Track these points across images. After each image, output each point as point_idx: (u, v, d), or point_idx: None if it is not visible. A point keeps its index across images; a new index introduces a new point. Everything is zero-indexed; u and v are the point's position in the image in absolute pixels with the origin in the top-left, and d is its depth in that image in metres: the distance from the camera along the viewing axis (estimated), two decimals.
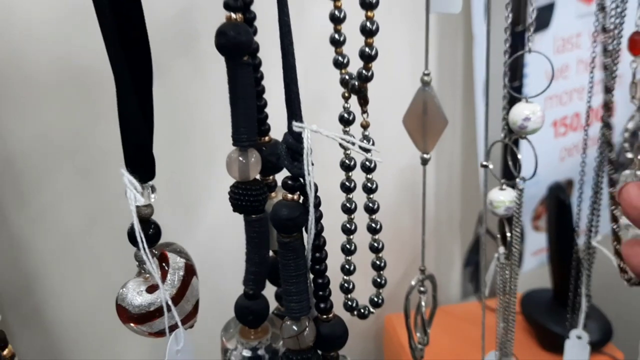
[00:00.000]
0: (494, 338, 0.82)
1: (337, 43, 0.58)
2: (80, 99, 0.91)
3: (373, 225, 0.63)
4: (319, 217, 0.57)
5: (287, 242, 0.56)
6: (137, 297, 0.59)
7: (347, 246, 0.63)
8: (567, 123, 1.26)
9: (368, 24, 0.53)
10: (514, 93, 0.68)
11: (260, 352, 0.65)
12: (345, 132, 0.59)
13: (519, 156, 0.68)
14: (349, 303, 0.65)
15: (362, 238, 0.63)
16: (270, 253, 0.66)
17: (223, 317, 0.71)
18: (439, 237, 1.33)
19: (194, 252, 0.66)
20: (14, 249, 0.94)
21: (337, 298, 0.63)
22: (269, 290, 0.67)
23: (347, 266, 0.64)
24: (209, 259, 1.02)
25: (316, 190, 0.55)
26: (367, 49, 0.55)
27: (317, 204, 0.56)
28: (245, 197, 0.59)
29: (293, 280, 0.57)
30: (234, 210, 0.61)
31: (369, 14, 0.53)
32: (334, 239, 0.61)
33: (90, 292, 1.01)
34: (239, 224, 0.68)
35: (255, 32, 0.59)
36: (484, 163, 0.69)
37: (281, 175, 0.63)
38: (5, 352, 0.65)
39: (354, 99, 0.59)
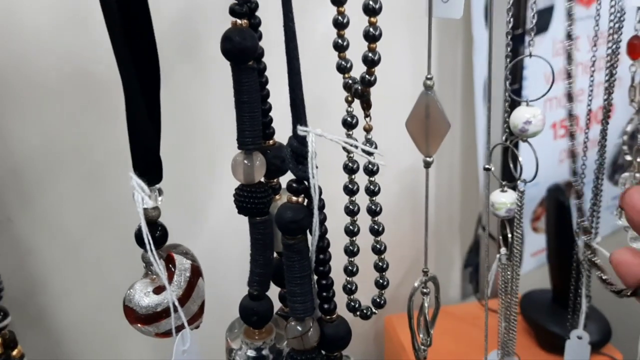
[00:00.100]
0: (495, 338, 0.83)
1: (340, 48, 0.58)
2: (84, 103, 0.91)
3: (376, 227, 0.63)
4: (323, 219, 0.58)
5: (292, 244, 0.57)
6: (145, 298, 0.60)
7: (350, 248, 0.64)
8: (567, 125, 1.26)
9: (371, 29, 0.54)
10: (515, 97, 0.69)
11: (265, 352, 0.66)
12: (349, 136, 0.60)
13: (520, 159, 0.69)
14: (352, 304, 0.66)
15: (363, 240, 0.64)
16: (275, 255, 0.67)
17: (226, 318, 0.72)
18: (439, 238, 1.34)
19: (196, 254, 0.66)
20: (18, 251, 0.94)
21: (339, 299, 0.64)
22: (273, 292, 0.68)
23: (350, 267, 0.65)
24: (212, 260, 1.03)
25: (320, 193, 0.56)
26: (370, 54, 0.56)
27: (321, 206, 0.57)
28: (250, 200, 0.60)
29: (297, 281, 0.58)
30: (239, 213, 0.61)
31: (372, 19, 0.54)
32: (336, 241, 0.61)
33: (93, 294, 1.01)
34: (242, 225, 0.69)
35: (260, 37, 0.60)
36: (487, 166, 0.69)
37: (285, 178, 0.64)
38: (14, 353, 0.66)
39: (356, 103, 0.60)
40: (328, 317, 0.62)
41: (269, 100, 0.65)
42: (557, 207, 1.10)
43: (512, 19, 0.66)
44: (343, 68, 0.59)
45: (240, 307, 0.65)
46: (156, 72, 0.57)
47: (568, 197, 1.13)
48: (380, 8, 0.54)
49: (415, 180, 1.22)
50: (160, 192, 0.58)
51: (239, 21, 0.55)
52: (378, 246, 0.64)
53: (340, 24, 0.56)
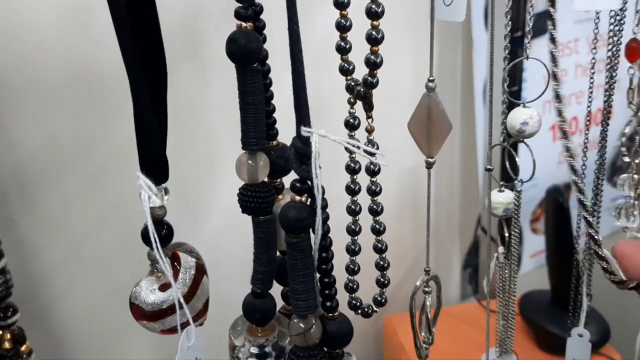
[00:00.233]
0: (495, 337, 0.83)
1: (343, 50, 0.59)
2: (88, 104, 0.92)
3: (377, 226, 0.64)
4: (325, 218, 0.59)
5: (295, 242, 0.58)
6: (150, 295, 0.61)
7: (352, 247, 0.65)
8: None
9: (374, 32, 0.55)
10: (512, 99, 0.70)
11: (267, 349, 0.67)
12: (351, 137, 0.61)
13: (517, 159, 0.70)
14: (354, 302, 0.67)
15: (363, 239, 0.65)
16: (277, 253, 0.67)
17: (227, 315, 0.72)
18: (439, 239, 1.35)
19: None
20: (22, 251, 0.95)
21: (340, 298, 0.64)
22: (276, 290, 0.69)
23: (351, 266, 0.66)
24: (213, 258, 1.03)
25: (323, 193, 0.57)
26: (372, 57, 0.57)
27: (324, 205, 0.58)
28: (254, 199, 0.61)
29: (300, 279, 0.59)
30: (243, 212, 0.62)
31: (375, 23, 0.55)
32: (337, 240, 0.62)
33: (96, 294, 1.02)
34: (243, 224, 0.69)
35: (264, 40, 0.61)
36: (488, 167, 0.70)
37: (288, 178, 0.64)
38: (23, 348, 0.67)
39: (357, 104, 0.61)
40: (330, 314, 0.63)
41: (273, 101, 0.66)
42: (556, 209, 1.11)
43: (510, 22, 0.67)
44: (346, 70, 0.60)
45: (244, 305, 0.66)
46: (163, 72, 0.58)
47: (567, 198, 1.14)
48: (383, 12, 0.55)
49: (415, 181, 1.23)
50: (166, 191, 0.59)
51: (244, 24, 0.56)
52: (379, 245, 0.65)
53: (343, 27, 0.57)
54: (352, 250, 0.65)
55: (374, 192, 0.63)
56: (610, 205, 1.29)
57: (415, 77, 1.14)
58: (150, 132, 0.57)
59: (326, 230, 0.59)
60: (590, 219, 0.73)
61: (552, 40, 0.69)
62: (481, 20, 1.15)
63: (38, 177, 0.92)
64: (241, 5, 0.57)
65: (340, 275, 0.64)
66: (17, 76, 0.87)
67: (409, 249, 1.24)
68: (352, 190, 0.63)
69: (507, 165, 0.72)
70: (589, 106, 0.81)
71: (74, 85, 0.90)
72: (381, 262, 0.66)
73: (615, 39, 0.75)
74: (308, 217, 0.57)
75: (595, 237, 0.69)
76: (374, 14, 0.55)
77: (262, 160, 0.60)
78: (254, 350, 0.67)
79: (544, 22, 1.18)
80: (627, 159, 0.77)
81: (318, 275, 0.62)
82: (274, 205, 0.64)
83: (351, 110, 0.61)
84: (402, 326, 1.21)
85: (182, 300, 0.59)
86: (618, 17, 0.73)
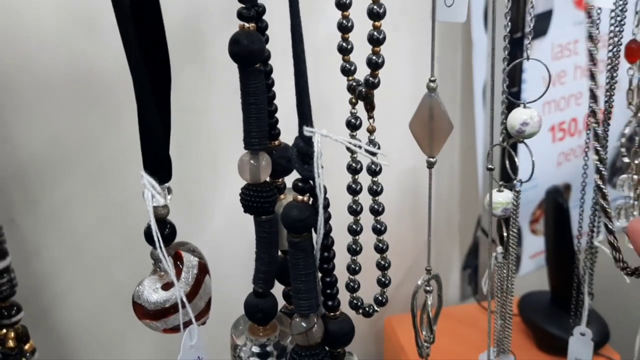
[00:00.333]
0: (492, 337, 0.84)
1: (344, 51, 0.60)
2: (89, 104, 0.92)
3: (378, 226, 0.65)
4: (327, 218, 0.59)
5: (297, 242, 0.58)
6: (153, 294, 0.61)
7: (353, 246, 0.65)
8: (565, 128, 1.28)
9: (375, 33, 0.56)
10: (512, 99, 0.70)
11: (269, 348, 0.67)
12: (352, 137, 0.61)
13: (517, 159, 0.70)
14: (355, 302, 0.67)
15: (363, 238, 0.65)
16: (279, 253, 0.68)
17: (228, 314, 0.73)
18: (439, 239, 1.35)
19: None
20: (23, 251, 0.95)
21: (341, 297, 0.65)
22: (277, 289, 0.69)
23: (352, 266, 0.66)
24: (215, 258, 1.03)
25: (325, 192, 0.57)
26: (374, 57, 0.57)
27: (326, 205, 0.58)
28: (256, 199, 0.61)
29: (302, 278, 0.59)
30: (245, 211, 0.62)
31: (376, 23, 0.56)
32: (337, 240, 0.63)
33: (97, 294, 1.02)
34: (245, 224, 0.70)
35: (266, 40, 0.61)
36: (490, 166, 0.71)
37: (290, 178, 0.65)
38: (27, 347, 0.67)
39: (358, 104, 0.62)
40: (332, 313, 0.63)
41: (275, 101, 0.66)
42: (556, 210, 1.11)
43: (509, 23, 0.68)
44: (347, 71, 0.61)
45: (245, 304, 0.66)
46: (167, 72, 0.58)
47: (567, 199, 1.14)
48: (384, 12, 0.55)
49: (415, 181, 1.24)
50: (169, 190, 0.59)
51: (246, 24, 0.57)
52: (380, 245, 0.65)
53: (344, 28, 0.57)
54: (354, 250, 0.65)
55: (375, 192, 0.63)
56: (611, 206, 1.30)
57: (415, 78, 1.15)
58: (153, 132, 0.57)
59: (328, 230, 0.60)
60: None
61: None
62: (481, 22, 1.16)
63: (40, 177, 0.92)
64: (244, 6, 0.57)
65: (340, 274, 0.64)
66: (19, 76, 0.87)
67: (408, 249, 1.24)
68: (353, 190, 0.63)
69: (507, 166, 0.72)
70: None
71: (76, 86, 0.90)
72: (382, 262, 0.66)
73: (616, 39, 0.75)
74: (310, 217, 0.57)
75: (607, 209, 0.69)
76: (375, 15, 0.55)
77: (264, 160, 0.61)
78: (256, 349, 0.67)
79: (543, 23, 1.19)
80: (626, 160, 0.78)
81: (320, 275, 0.62)
82: (276, 205, 0.64)
83: (353, 111, 0.61)
84: (402, 327, 1.22)
85: (184, 299, 0.60)
86: (619, 18, 0.73)
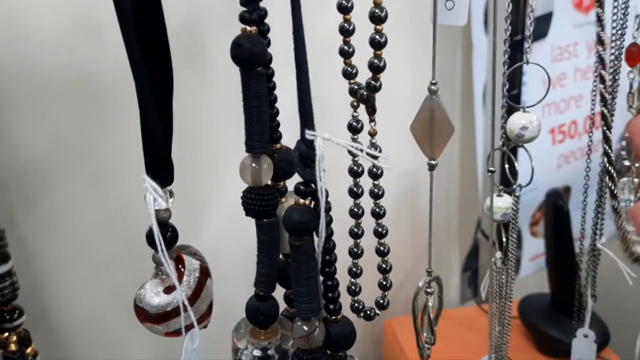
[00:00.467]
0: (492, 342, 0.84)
1: (346, 54, 0.60)
2: (90, 106, 0.92)
3: (380, 229, 0.65)
4: (329, 221, 0.59)
5: (299, 245, 0.58)
6: (155, 297, 0.61)
7: (355, 250, 0.65)
8: (565, 130, 1.28)
9: (377, 37, 0.56)
10: (512, 103, 0.70)
11: (270, 352, 0.67)
12: (354, 140, 0.62)
13: (516, 164, 0.70)
14: (356, 305, 0.67)
15: (364, 242, 0.65)
16: (280, 256, 0.68)
17: (227, 317, 0.73)
18: (438, 242, 1.35)
19: None
20: (22, 252, 0.95)
21: (342, 300, 0.65)
22: (278, 292, 0.69)
23: (354, 269, 0.66)
24: (213, 261, 1.03)
25: (327, 196, 0.57)
26: (375, 61, 0.57)
27: (328, 208, 0.58)
28: (258, 202, 0.61)
29: (304, 282, 0.59)
30: (247, 214, 0.62)
31: (378, 27, 0.56)
32: (338, 243, 0.63)
33: (96, 296, 1.02)
34: (244, 227, 0.69)
35: (268, 44, 0.61)
36: (491, 169, 0.71)
37: (292, 181, 0.65)
38: (28, 350, 0.67)
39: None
40: (333, 317, 0.63)
41: (275, 104, 0.66)
42: (556, 212, 1.11)
43: (510, 26, 0.68)
44: (349, 74, 0.61)
45: (247, 308, 0.66)
46: (169, 76, 0.58)
47: (566, 201, 1.14)
48: (386, 16, 0.55)
49: (413, 183, 1.23)
50: (171, 194, 0.59)
51: (248, 28, 0.57)
52: (382, 248, 0.65)
53: (346, 31, 0.58)
54: (355, 253, 0.65)
55: (376, 195, 0.63)
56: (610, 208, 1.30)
57: (412, 79, 1.15)
58: (155, 135, 0.58)
59: (329, 233, 0.60)
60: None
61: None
62: (481, 24, 1.16)
63: (40, 178, 0.92)
64: (246, 9, 0.57)
65: (340, 277, 0.64)
66: (19, 77, 0.87)
67: (407, 252, 1.24)
68: (355, 193, 0.63)
69: (507, 170, 0.72)
70: (592, 108, 0.82)
71: (76, 86, 0.90)
72: (383, 265, 0.66)
73: (618, 43, 0.75)
74: (312, 220, 0.57)
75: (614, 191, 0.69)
76: (377, 19, 0.55)
77: (265, 164, 0.61)
78: (257, 352, 0.67)
79: (543, 26, 1.19)
80: (627, 163, 0.78)
81: (321, 278, 0.62)
82: (278, 208, 0.64)
83: (354, 114, 0.61)
84: (401, 329, 1.21)
85: (186, 302, 0.60)
86: (620, 22, 0.73)
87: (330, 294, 0.62)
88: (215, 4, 0.95)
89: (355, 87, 0.61)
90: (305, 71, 0.55)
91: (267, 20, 0.62)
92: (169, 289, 0.61)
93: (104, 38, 0.89)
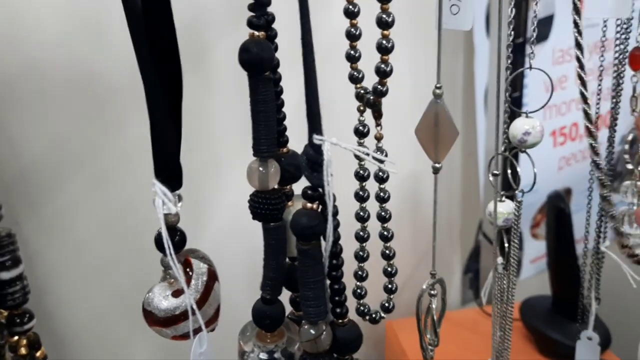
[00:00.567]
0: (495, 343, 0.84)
1: (352, 59, 0.60)
2: (92, 108, 0.92)
3: (385, 233, 0.65)
4: (336, 225, 0.59)
5: (306, 249, 0.58)
6: (163, 301, 0.61)
7: (360, 253, 0.66)
8: (566, 133, 1.28)
9: (384, 42, 0.56)
10: (515, 108, 0.70)
11: (277, 355, 0.67)
12: (360, 144, 0.62)
13: (519, 169, 0.71)
14: (361, 308, 0.68)
15: (369, 246, 0.65)
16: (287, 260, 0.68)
17: (229, 319, 0.73)
18: (439, 244, 1.34)
19: None
20: (25, 254, 0.94)
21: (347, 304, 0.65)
22: (284, 296, 0.69)
23: (359, 272, 0.66)
24: (216, 261, 1.04)
25: (334, 200, 0.57)
26: (382, 66, 0.58)
27: (335, 213, 0.58)
28: (265, 206, 0.61)
29: (311, 285, 0.59)
30: (254, 218, 0.63)
31: (385, 32, 0.56)
32: (344, 247, 0.63)
33: (98, 298, 1.02)
34: (245, 228, 0.69)
35: (276, 48, 0.61)
36: (495, 172, 0.71)
37: (298, 185, 0.65)
38: (38, 354, 0.67)
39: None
40: (340, 320, 0.63)
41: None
42: (558, 214, 1.11)
43: (513, 32, 0.68)
44: (355, 78, 0.61)
45: (253, 311, 0.66)
46: (178, 79, 0.58)
47: (568, 204, 1.14)
48: (393, 21, 0.56)
49: (415, 186, 1.24)
50: (179, 198, 0.60)
51: (256, 33, 0.57)
52: (387, 252, 0.66)
53: (353, 36, 0.58)
54: (361, 257, 0.66)
55: (382, 199, 0.64)
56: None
57: (414, 83, 1.15)
58: (165, 140, 0.58)
59: (337, 237, 0.60)
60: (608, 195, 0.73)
61: (578, 45, 0.68)
62: (482, 27, 1.16)
63: (42, 180, 0.92)
64: (254, 14, 0.57)
65: (345, 281, 0.64)
66: (22, 79, 0.87)
67: (408, 254, 1.24)
68: (361, 197, 0.64)
69: (509, 175, 0.73)
70: (597, 111, 0.82)
71: (79, 88, 0.90)
72: (389, 269, 0.67)
73: (622, 46, 0.75)
74: (319, 224, 0.57)
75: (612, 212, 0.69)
76: (384, 24, 0.56)
77: (272, 167, 0.61)
78: (263, 356, 0.67)
79: (545, 28, 1.20)
80: (630, 166, 0.78)
81: (328, 282, 0.62)
82: (284, 212, 0.64)
83: (361, 118, 0.62)
84: (403, 331, 1.21)
85: (194, 306, 0.60)
86: (625, 26, 0.74)
87: (337, 298, 0.62)
88: (216, 4, 0.95)
89: (362, 91, 0.61)
90: (314, 77, 0.55)
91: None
92: (177, 293, 0.61)
93: (105, 38, 0.89)
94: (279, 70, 0.65)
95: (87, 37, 0.89)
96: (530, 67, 0.67)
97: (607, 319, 1.14)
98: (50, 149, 0.92)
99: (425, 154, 0.64)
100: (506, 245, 0.77)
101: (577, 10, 0.67)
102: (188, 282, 0.61)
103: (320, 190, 0.57)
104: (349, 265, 0.65)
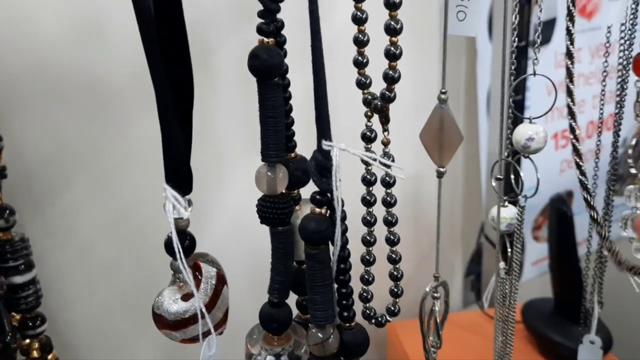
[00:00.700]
0: (497, 348, 0.84)
1: (360, 65, 0.61)
2: (97, 109, 0.93)
3: (391, 237, 0.66)
4: (344, 230, 0.60)
5: (315, 253, 0.59)
6: (173, 304, 0.61)
7: (367, 257, 0.66)
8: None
9: (392, 48, 0.57)
10: (518, 114, 0.71)
11: (283, 358, 0.67)
12: (368, 149, 0.62)
13: (522, 174, 0.71)
14: (367, 312, 0.68)
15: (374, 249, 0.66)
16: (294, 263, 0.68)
17: (234, 321, 0.73)
18: (441, 246, 1.35)
19: None
20: None
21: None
22: (290, 299, 0.70)
23: (366, 276, 0.67)
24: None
25: (342, 205, 0.58)
26: (390, 72, 0.58)
27: (343, 217, 0.59)
28: (273, 210, 0.62)
29: (319, 289, 0.60)
30: (262, 222, 0.63)
31: (393, 39, 0.56)
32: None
33: (101, 299, 1.02)
34: (246, 230, 0.69)
35: (285, 54, 0.62)
36: (499, 176, 0.72)
37: (305, 189, 0.66)
38: (50, 357, 0.68)
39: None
40: (347, 324, 0.64)
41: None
42: (560, 217, 1.12)
43: (517, 38, 0.68)
44: (363, 84, 0.62)
45: (261, 314, 0.66)
46: (190, 84, 0.59)
47: (570, 206, 1.15)
48: (402, 28, 0.56)
49: (416, 189, 1.24)
50: (190, 202, 0.60)
51: (265, 39, 0.57)
52: (394, 256, 0.66)
53: (360, 42, 0.58)
54: (367, 261, 0.66)
55: (389, 203, 0.64)
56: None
57: (415, 86, 1.15)
58: (177, 145, 0.58)
59: (344, 242, 0.60)
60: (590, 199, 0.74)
61: (569, 54, 0.69)
62: (485, 31, 1.16)
63: (46, 182, 0.93)
64: (263, 21, 0.57)
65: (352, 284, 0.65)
66: (26, 83, 0.87)
67: (410, 257, 1.25)
68: (367, 201, 0.64)
69: (512, 180, 0.73)
70: (601, 111, 0.83)
71: (83, 91, 0.91)
72: (395, 273, 0.67)
73: (627, 52, 0.76)
74: (328, 229, 0.58)
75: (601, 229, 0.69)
76: (392, 31, 0.56)
77: (281, 172, 0.61)
78: (270, 358, 0.67)
79: (547, 31, 1.20)
80: (633, 171, 0.79)
81: (336, 286, 0.63)
82: (292, 216, 0.64)
83: (368, 124, 0.62)
84: (405, 333, 1.22)
85: (204, 310, 0.60)
86: (629, 32, 0.74)
87: (344, 302, 0.63)
88: (218, 5, 0.95)
89: (369, 97, 0.62)
90: (323, 83, 0.56)
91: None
92: (186, 297, 0.62)
93: (107, 40, 0.89)
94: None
95: (89, 38, 0.89)
96: (535, 74, 0.68)
97: (608, 320, 1.15)
98: (54, 150, 0.92)
99: (426, 156, 0.65)
100: (509, 249, 0.77)
101: (571, 17, 0.68)
102: (197, 285, 0.62)
103: (329, 195, 0.57)
104: (354, 269, 0.65)
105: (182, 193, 0.58)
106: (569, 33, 0.68)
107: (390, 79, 0.58)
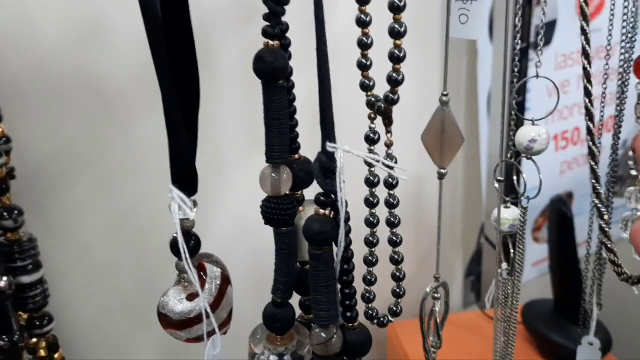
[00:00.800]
0: (498, 349, 0.85)
1: (364, 67, 0.61)
2: (99, 109, 0.93)
3: (394, 238, 0.66)
4: (348, 231, 0.60)
5: (319, 254, 0.59)
6: (178, 304, 0.62)
7: (370, 258, 0.67)
8: (568, 137, 1.29)
9: (396, 51, 0.57)
10: (521, 116, 0.71)
11: (287, 358, 0.68)
12: (371, 151, 0.63)
13: (524, 176, 0.72)
14: (370, 312, 0.69)
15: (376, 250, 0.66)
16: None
17: (236, 322, 0.74)
18: (441, 247, 1.35)
19: None
20: None
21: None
22: (294, 299, 0.70)
23: (368, 277, 0.67)
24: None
25: (346, 206, 0.58)
26: (394, 75, 0.58)
27: (347, 219, 0.59)
28: (277, 211, 0.62)
29: (323, 290, 0.60)
30: (266, 223, 0.63)
31: (398, 42, 0.57)
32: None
33: (103, 300, 1.02)
34: (248, 230, 0.70)
35: (290, 57, 0.62)
36: (499, 178, 0.72)
37: (308, 190, 0.66)
38: (56, 356, 0.68)
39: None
40: (350, 324, 0.64)
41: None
42: (560, 219, 1.12)
43: (520, 41, 0.69)
44: (366, 86, 0.62)
45: (264, 314, 0.67)
46: (196, 86, 0.59)
47: (570, 208, 1.15)
48: (406, 31, 0.56)
49: (417, 189, 1.24)
50: (195, 203, 0.61)
51: (270, 42, 0.58)
52: (396, 257, 0.67)
53: (364, 45, 0.59)
54: (370, 262, 0.67)
55: (392, 204, 0.65)
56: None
57: (417, 87, 1.16)
58: (183, 146, 0.59)
59: (348, 243, 0.61)
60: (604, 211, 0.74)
61: (585, 54, 0.69)
62: (486, 33, 1.17)
63: (48, 182, 0.93)
64: (269, 24, 0.58)
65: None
66: (29, 84, 0.88)
67: (410, 257, 1.24)
68: (370, 202, 0.65)
69: (515, 181, 0.73)
70: (601, 112, 0.83)
71: (85, 91, 0.91)
72: (397, 274, 0.68)
73: (627, 55, 0.76)
74: (332, 230, 0.58)
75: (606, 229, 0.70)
76: (397, 34, 0.57)
77: (285, 174, 0.61)
78: (274, 358, 0.68)
79: (548, 33, 1.21)
80: (634, 172, 0.79)
81: (339, 286, 0.63)
82: (296, 217, 0.65)
83: (372, 125, 0.63)
84: (405, 333, 1.22)
85: (209, 310, 0.61)
86: (630, 35, 0.75)
87: (347, 302, 0.63)
88: (221, 10, 0.96)
89: (373, 99, 0.62)
90: (328, 85, 0.56)
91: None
92: (191, 297, 0.62)
93: (109, 41, 0.90)
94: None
95: (95, 40, 0.89)
96: (537, 76, 0.68)
97: (608, 322, 1.15)
98: (56, 150, 0.93)
99: (428, 158, 0.65)
100: (512, 251, 0.77)
101: (585, 16, 0.68)
102: (202, 286, 0.62)
103: (333, 196, 0.58)
104: (356, 269, 0.66)
105: (188, 194, 0.59)
106: (584, 33, 0.68)
107: (394, 82, 0.59)
